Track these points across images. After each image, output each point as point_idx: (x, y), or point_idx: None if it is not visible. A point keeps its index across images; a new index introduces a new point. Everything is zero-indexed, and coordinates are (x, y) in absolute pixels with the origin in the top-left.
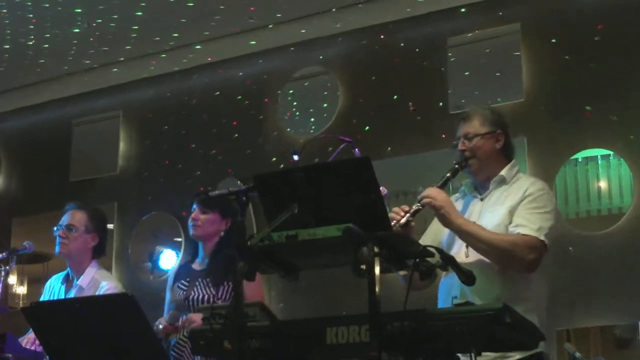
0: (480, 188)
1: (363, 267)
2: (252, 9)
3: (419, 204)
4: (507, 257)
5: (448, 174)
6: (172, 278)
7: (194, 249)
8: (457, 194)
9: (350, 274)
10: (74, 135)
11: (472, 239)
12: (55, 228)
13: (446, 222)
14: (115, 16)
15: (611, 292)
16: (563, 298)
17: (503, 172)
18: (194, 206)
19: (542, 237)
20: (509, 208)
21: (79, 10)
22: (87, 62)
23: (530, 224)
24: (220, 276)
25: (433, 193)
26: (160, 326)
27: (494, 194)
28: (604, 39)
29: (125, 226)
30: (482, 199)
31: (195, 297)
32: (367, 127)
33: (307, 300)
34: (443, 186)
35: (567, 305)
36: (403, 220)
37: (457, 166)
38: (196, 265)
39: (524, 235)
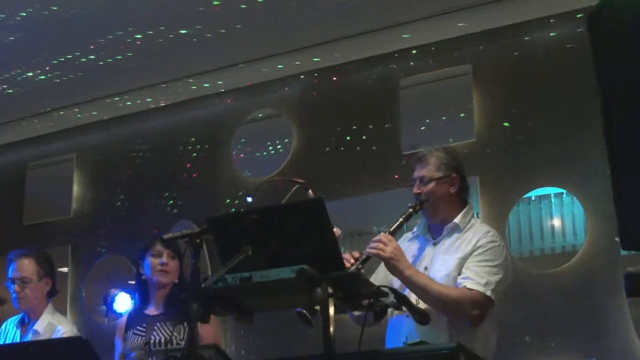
0: (434, 231)
1: (317, 307)
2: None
3: (368, 253)
4: (452, 311)
5: (401, 219)
6: (124, 326)
7: (145, 295)
8: (409, 234)
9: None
10: (28, 179)
11: (421, 291)
12: (7, 283)
13: (395, 272)
14: (70, 61)
15: (567, 330)
16: (518, 337)
17: (457, 220)
18: (154, 251)
19: (488, 293)
20: (459, 259)
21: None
22: (41, 105)
23: (477, 278)
24: (179, 317)
25: (382, 241)
26: None
27: (446, 240)
28: (555, 79)
29: (79, 269)
30: (435, 244)
31: (157, 340)
32: (320, 168)
33: (264, 341)
34: (395, 231)
35: (523, 344)
36: (352, 269)
37: (410, 210)
38: (150, 311)
39: (469, 289)
